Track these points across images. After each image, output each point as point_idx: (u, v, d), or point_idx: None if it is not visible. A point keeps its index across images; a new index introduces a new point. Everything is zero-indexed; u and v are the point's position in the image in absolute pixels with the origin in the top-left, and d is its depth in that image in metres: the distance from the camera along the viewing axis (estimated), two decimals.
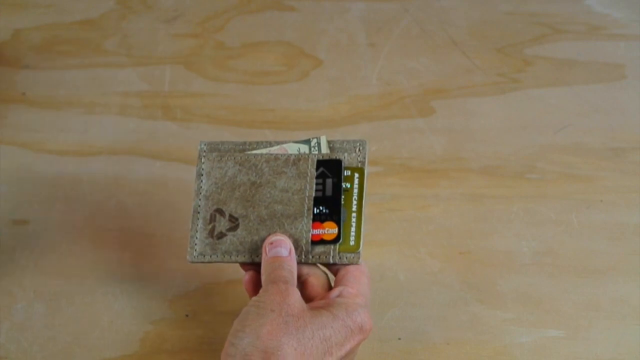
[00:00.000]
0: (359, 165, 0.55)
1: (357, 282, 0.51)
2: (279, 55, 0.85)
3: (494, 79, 0.82)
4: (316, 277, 0.53)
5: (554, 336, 0.56)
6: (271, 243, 0.52)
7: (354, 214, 0.55)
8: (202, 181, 0.55)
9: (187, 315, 0.57)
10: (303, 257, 0.54)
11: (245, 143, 0.56)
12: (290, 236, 0.54)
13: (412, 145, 0.73)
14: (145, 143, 0.72)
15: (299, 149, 0.56)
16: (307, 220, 0.54)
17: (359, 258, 0.54)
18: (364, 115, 0.77)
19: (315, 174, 0.55)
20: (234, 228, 0.54)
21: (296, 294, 0.49)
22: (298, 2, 0.93)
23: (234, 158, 0.55)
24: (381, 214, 0.65)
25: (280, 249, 0.52)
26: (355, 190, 0.55)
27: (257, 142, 0.56)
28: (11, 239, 0.62)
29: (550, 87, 0.81)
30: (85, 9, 0.90)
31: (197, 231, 0.55)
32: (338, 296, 0.50)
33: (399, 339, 0.55)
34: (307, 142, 0.56)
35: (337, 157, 0.55)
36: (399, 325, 0.56)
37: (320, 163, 0.55)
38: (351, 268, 0.52)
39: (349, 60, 0.84)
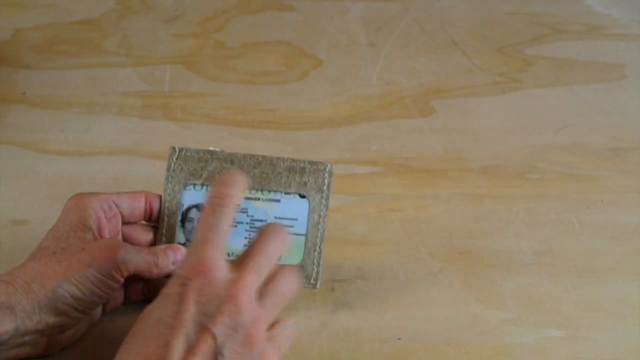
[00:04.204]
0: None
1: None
2: (279, 55, 0.85)
3: (494, 79, 0.82)
4: None
5: (554, 336, 0.56)
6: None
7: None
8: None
9: None
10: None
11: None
12: None
13: (412, 145, 0.73)
14: (145, 143, 0.72)
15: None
16: None
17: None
18: (364, 115, 0.77)
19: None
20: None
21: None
22: (298, 2, 0.93)
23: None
24: (381, 214, 0.65)
25: None
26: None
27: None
28: (11, 239, 0.62)
29: (550, 87, 0.81)
30: (85, 9, 0.90)
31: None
32: None
33: (399, 339, 0.55)
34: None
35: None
36: (399, 325, 0.56)
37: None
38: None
39: (349, 60, 0.84)
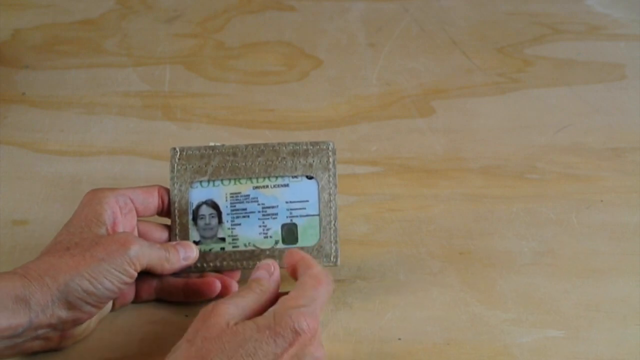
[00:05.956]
0: None
1: (300, 287, 0.49)
2: (279, 55, 0.85)
3: (494, 79, 0.82)
4: None
5: (554, 336, 0.56)
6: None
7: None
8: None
9: (186, 316, 0.57)
10: None
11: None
12: None
13: (412, 145, 0.73)
14: (145, 143, 0.72)
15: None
16: None
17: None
18: (364, 115, 0.77)
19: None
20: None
21: (224, 311, 0.47)
22: (298, 2, 0.93)
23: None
24: (381, 214, 0.65)
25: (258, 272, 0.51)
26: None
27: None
28: (11, 239, 0.62)
29: (550, 87, 0.81)
30: (85, 9, 0.90)
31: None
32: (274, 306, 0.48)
33: (399, 339, 0.55)
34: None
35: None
36: (399, 325, 0.56)
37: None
38: (303, 277, 0.50)
39: (349, 60, 0.84)
